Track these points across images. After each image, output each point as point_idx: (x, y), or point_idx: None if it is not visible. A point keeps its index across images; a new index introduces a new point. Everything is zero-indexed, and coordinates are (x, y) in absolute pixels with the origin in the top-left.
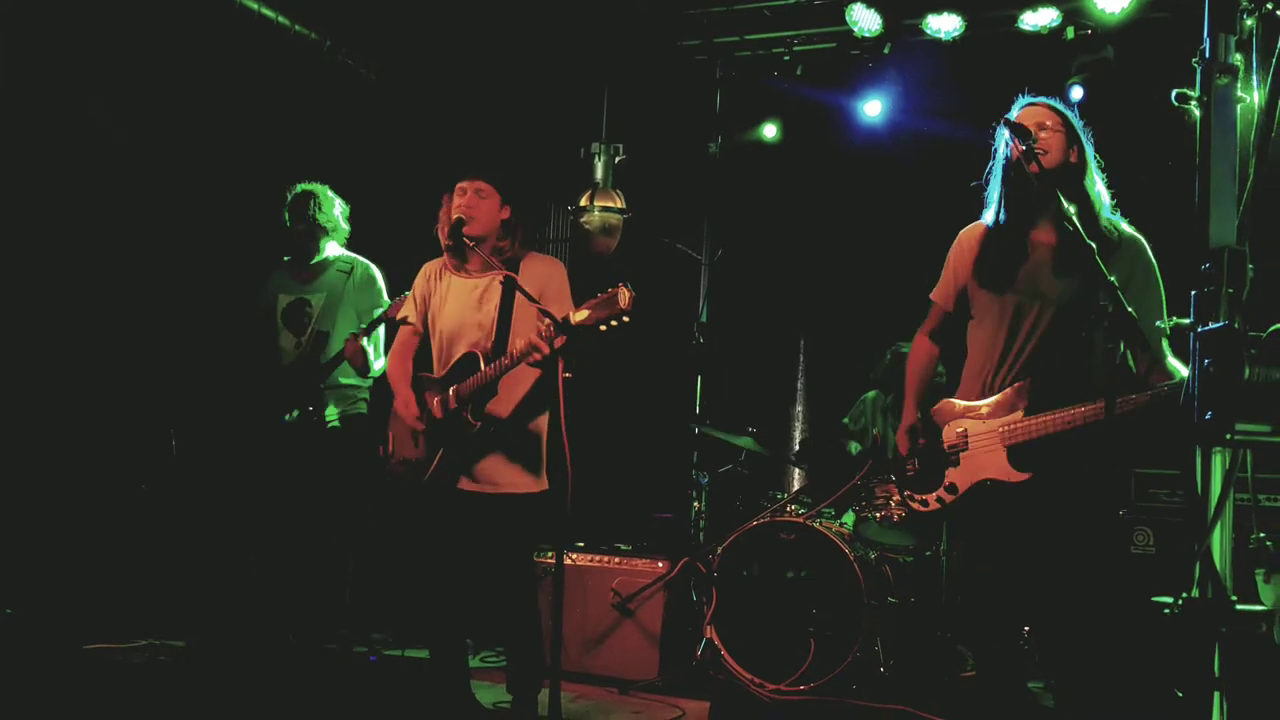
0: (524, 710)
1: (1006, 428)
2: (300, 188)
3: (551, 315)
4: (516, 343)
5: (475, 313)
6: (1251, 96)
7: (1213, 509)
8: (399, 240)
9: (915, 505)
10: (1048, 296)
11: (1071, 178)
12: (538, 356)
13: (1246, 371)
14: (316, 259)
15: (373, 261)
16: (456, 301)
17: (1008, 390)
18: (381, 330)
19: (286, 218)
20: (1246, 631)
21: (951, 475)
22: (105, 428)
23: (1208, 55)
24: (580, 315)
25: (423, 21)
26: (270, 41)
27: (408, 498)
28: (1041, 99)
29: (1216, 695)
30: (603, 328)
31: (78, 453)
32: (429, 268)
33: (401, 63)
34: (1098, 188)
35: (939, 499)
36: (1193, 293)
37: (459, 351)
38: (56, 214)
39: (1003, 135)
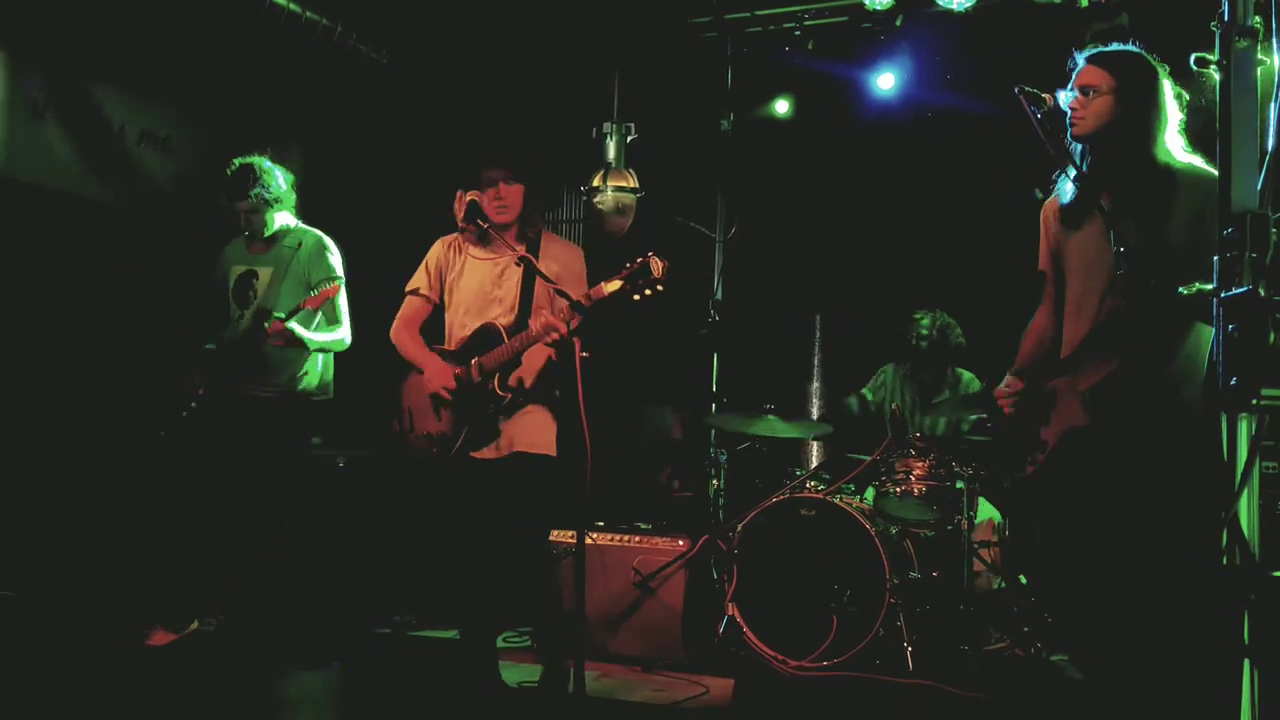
0: (551, 687)
1: (1078, 377)
2: (238, 162)
3: (569, 296)
4: (536, 320)
5: (495, 288)
6: (1271, 59)
7: (1239, 476)
8: (411, 221)
9: (1030, 470)
10: (1107, 246)
11: (1121, 130)
12: (555, 336)
13: (1272, 336)
14: (268, 232)
15: (387, 244)
16: (475, 276)
17: (1084, 341)
18: (339, 307)
19: (224, 197)
20: (1276, 599)
21: (1044, 432)
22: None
23: (1226, 18)
24: (613, 285)
25: (433, 5)
26: (282, 27)
27: (434, 472)
28: (1100, 51)
29: (1246, 663)
30: (636, 296)
31: (75, 435)
32: (447, 240)
33: (413, 47)
34: (1151, 132)
35: (1033, 460)
36: (1215, 258)
37: (475, 325)
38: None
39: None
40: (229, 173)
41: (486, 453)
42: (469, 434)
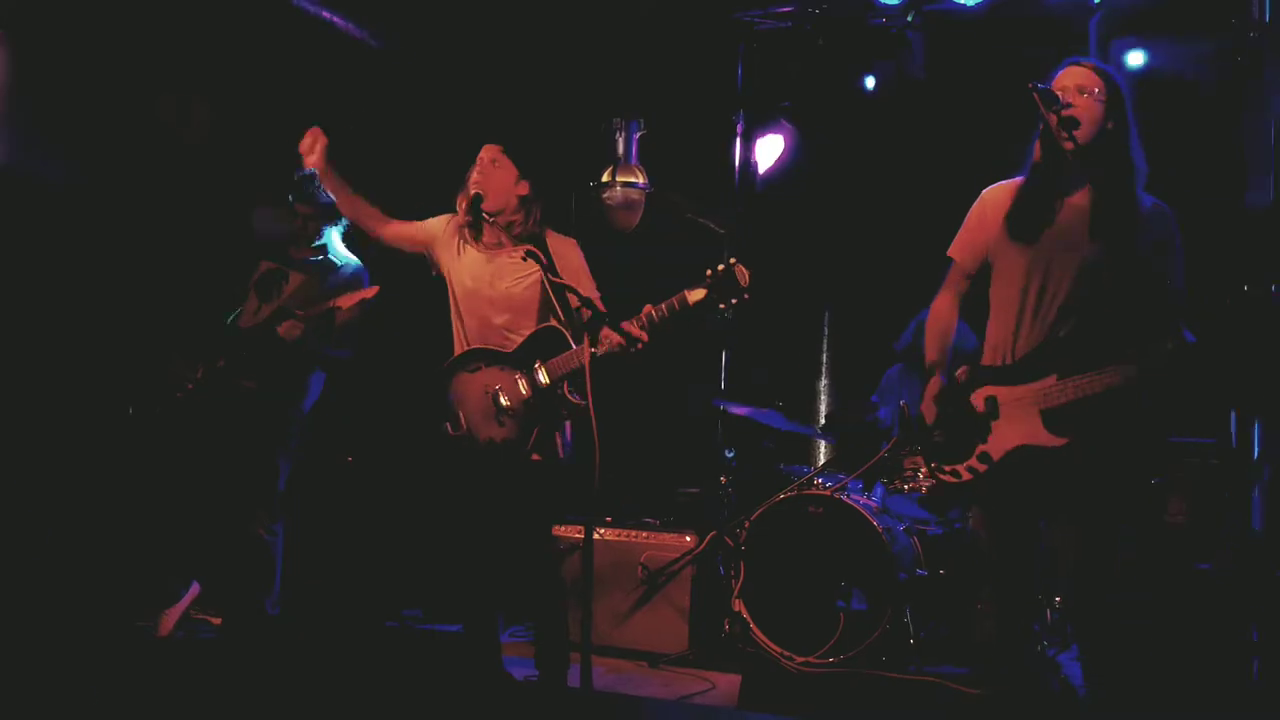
0: (554, 684)
1: (1041, 392)
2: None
3: (591, 307)
4: (613, 333)
5: (488, 289)
6: None
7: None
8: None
9: (946, 477)
10: (1076, 258)
11: (1109, 144)
12: (639, 347)
13: None
14: (316, 243)
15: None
16: (472, 272)
17: (1035, 352)
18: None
19: (292, 197)
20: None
21: (983, 444)
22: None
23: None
24: (697, 295)
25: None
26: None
27: (499, 476)
28: (1087, 60)
29: (1254, 662)
30: (721, 305)
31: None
32: (452, 219)
33: (419, 41)
34: (1134, 155)
35: (970, 469)
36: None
37: (482, 325)
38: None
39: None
40: (297, 175)
41: (540, 458)
42: (537, 439)
